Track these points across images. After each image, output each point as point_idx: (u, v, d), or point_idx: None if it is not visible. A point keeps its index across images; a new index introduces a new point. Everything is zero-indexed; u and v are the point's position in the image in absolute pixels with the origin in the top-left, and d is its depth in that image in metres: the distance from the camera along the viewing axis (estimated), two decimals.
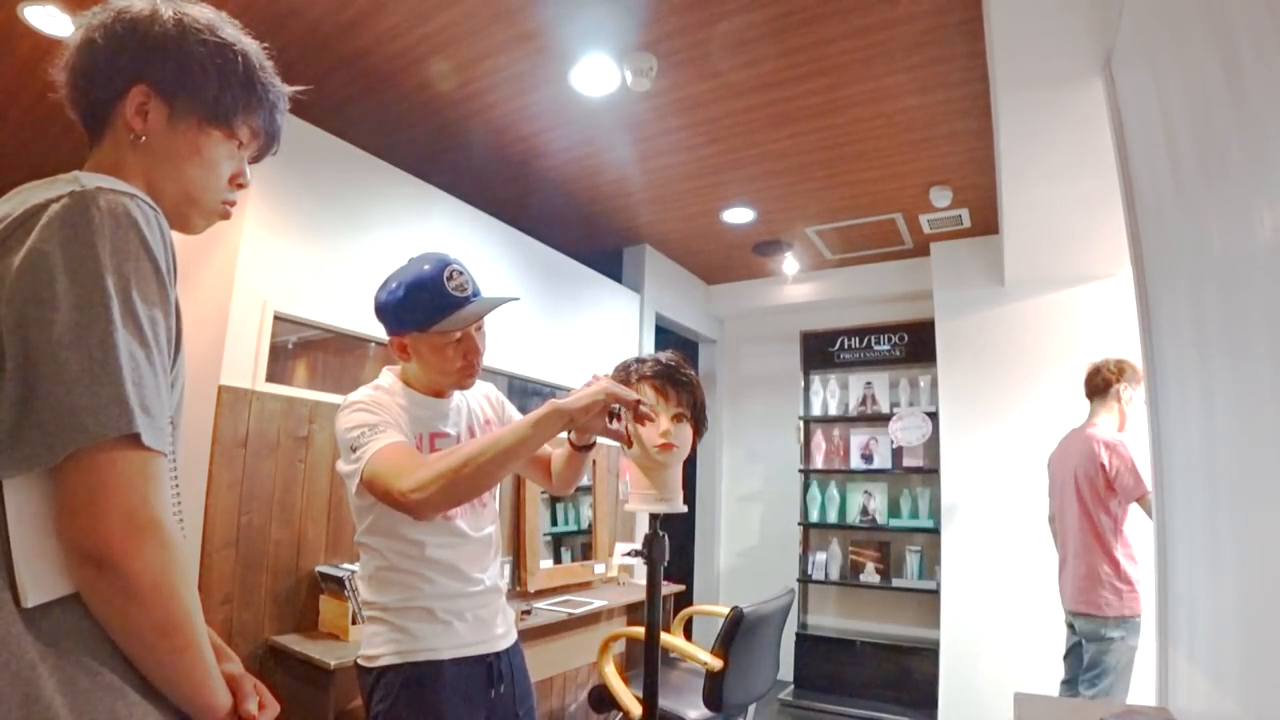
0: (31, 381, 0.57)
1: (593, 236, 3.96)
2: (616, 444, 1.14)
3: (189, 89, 0.75)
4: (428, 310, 1.24)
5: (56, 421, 0.56)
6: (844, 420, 4.39)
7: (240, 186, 0.83)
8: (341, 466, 1.21)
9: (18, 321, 0.57)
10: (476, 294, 1.29)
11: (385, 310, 1.28)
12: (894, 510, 4.15)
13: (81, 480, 0.58)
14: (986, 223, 3.59)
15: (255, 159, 0.86)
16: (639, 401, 1.06)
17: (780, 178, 3.21)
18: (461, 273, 1.28)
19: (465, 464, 1.06)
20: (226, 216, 0.84)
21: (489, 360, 1.41)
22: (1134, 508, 2.35)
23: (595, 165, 3.13)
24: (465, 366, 1.30)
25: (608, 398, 1.06)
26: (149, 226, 0.64)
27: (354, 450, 1.16)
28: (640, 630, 1.31)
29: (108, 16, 0.73)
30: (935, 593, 3.77)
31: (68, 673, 0.57)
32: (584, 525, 3.42)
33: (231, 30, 0.79)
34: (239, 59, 0.78)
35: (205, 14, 0.77)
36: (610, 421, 1.12)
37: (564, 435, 1.35)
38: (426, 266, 1.26)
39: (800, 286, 4.52)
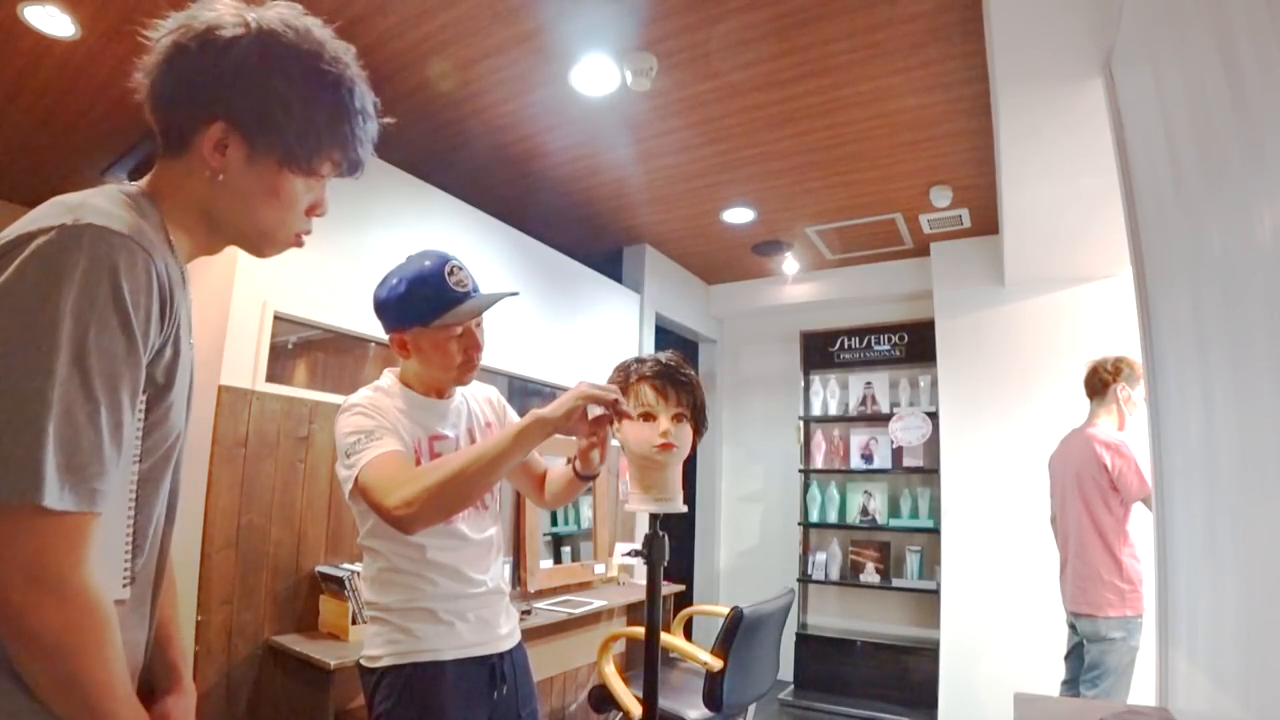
0: None
1: (593, 236, 3.96)
2: (617, 444, 1.14)
3: (270, 130, 0.72)
4: (430, 305, 1.24)
5: None
6: (844, 420, 4.39)
7: (318, 215, 0.81)
8: (339, 470, 1.21)
9: None
10: (476, 290, 1.30)
11: (386, 306, 1.28)
12: (894, 510, 4.15)
13: None
14: (986, 223, 3.59)
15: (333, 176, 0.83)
16: (616, 400, 1.06)
17: (780, 178, 3.21)
18: (461, 269, 1.29)
19: (451, 477, 1.06)
20: (300, 245, 0.81)
21: (489, 360, 1.42)
22: (1137, 506, 2.35)
23: (595, 165, 3.13)
24: (466, 362, 1.30)
25: (585, 400, 1.06)
26: (130, 273, 0.61)
27: (349, 456, 1.17)
28: (640, 630, 1.31)
29: (193, 38, 0.69)
30: (935, 593, 3.77)
31: None
32: (584, 525, 3.42)
33: (327, 61, 0.74)
34: (327, 97, 0.74)
35: (302, 43, 0.73)
36: (599, 419, 1.12)
37: (565, 462, 1.35)
38: (427, 262, 1.26)
39: (800, 286, 4.52)
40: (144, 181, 0.74)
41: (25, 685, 0.59)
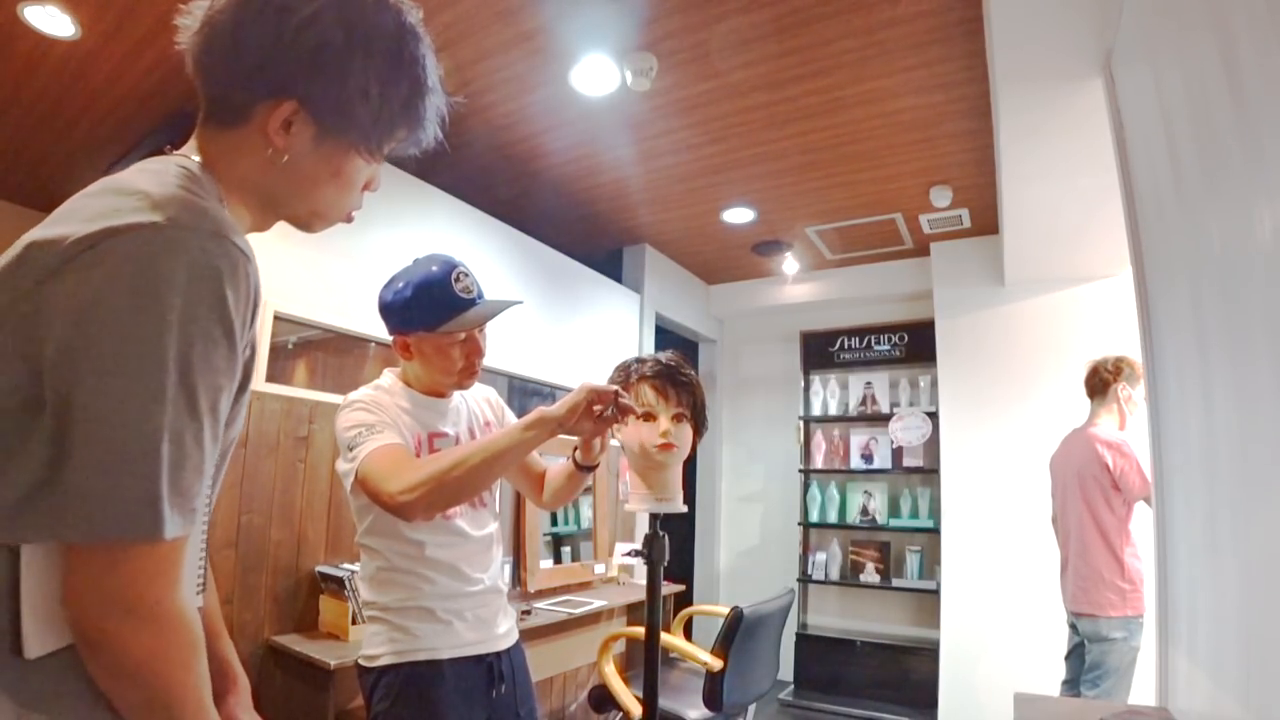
0: (64, 446, 0.52)
1: (593, 236, 3.96)
2: (618, 444, 1.15)
3: (346, 115, 0.67)
4: (435, 311, 1.25)
5: (74, 507, 0.52)
6: (844, 420, 4.39)
7: (371, 190, 0.78)
8: (339, 465, 1.22)
9: (63, 375, 0.52)
10: (481, 296, 1.30)
11: (391, 309, 1.28)
12: (894, 510, 4.15)
13: (86, 568, 0.53)
14: (986, 223, 3.59)
15: None
16: (616, 392, 1.08)
17: (780, 178, 3.21)
18: (467, 275, 1.29)
19: (454, 467, 1.07)
20: (350, 221, 0.79)
21: (489, 360, 1.42)
22: (1140, 505, 2.35)
23: (595, 165, 3.13)
24: (467, 367, 1.31)
25: (588, 396, 1.07)
26: (232, 278, 0.57)
27: (350, 450, 1.17)
28: (640, 630, 1.31)
29: (265, 3, 0.63)
30: (935, 593, 3.77)
31: None
32: (584, 525, 3.42)
33: (407, 35, 0.69)
34: (405, 78, 0.69)
35: (383, 15, 0.68)
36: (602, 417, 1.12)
37: (566, 454, 1.35)
38: (434, 268, 1.27)
39: (800, 286, 4.52)
40: (192, 151, 0.68)
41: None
